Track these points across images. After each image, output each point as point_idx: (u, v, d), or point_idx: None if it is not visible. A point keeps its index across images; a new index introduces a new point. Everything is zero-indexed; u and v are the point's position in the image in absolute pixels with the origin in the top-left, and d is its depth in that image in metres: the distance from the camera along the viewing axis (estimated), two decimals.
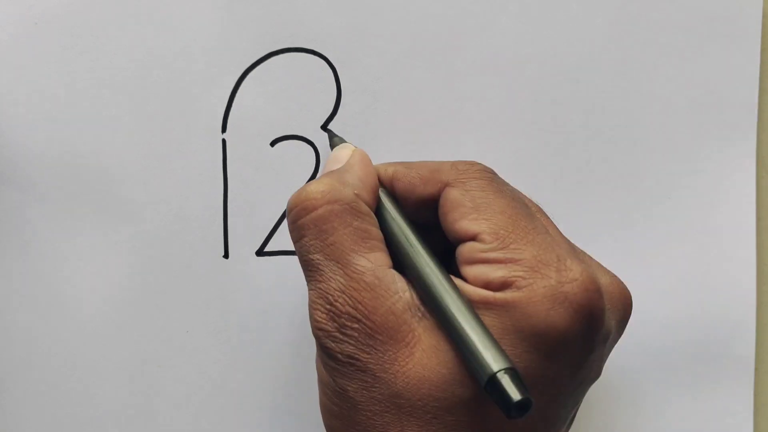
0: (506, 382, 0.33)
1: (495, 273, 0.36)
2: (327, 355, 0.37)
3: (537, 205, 0.40)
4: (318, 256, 0.37)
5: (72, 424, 0.46)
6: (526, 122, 0.46)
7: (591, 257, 0.39)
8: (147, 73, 0.45)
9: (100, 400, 0.46)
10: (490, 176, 0.39)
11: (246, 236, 0.46)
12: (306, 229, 0.38)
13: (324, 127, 0.46)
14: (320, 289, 0.37)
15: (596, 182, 0.46)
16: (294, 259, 0.46)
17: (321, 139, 0.46)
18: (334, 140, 0.44)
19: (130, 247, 0.46)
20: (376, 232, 0.38)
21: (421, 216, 0.40)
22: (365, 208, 0.38)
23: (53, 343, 0.46)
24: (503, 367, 0.33)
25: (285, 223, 0.46)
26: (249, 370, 0.46)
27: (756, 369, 0.46)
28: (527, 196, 0.41)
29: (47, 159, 0.45)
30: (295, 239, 0.39)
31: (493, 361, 0.34)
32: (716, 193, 0.46)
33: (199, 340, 0.46)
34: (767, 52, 0.46)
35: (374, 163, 0.41)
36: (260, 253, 0.46)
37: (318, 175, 0.45)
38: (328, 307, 0.37)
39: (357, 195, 0.38)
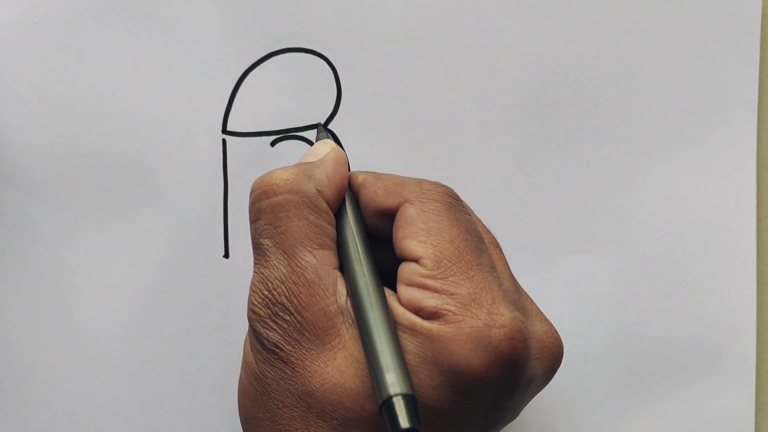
0: (399, 407, 0.33)
1: (428, 301, 0.35)
2: (255, 338, 0.37)
3: (495, 240, 0.40)
4: (268, 242, 0.38)
5: (72, 424, 0.46)
6: (526, 122, 0.46)
7: (533, 303, 0.39)
8: (147, 73, 0.45)
9: (100, 400, 0.46)
10: (450, 201, 0.38)
11: (246, 236, 0.45)
12: (262, 212, 0.38)
13: (323, 126, 0.46)
14: (263, 274, 0.37)
15: (596, 182, 0.46)
16: None
17: None
18: (320, 135, 0.44)
19: (130, 247, 0.46)
20: (331, 230, 0.38)
21: (381, 228, 0.39)
22: (324, 206, 0.38)
23: (53, 343, 0.46)
24: (402, 392, 0.33)
25: None
26: None
27: (757, 369, 0.46)
28: (488, 230, 0.40)
29: (47, 159, 0.45)
30: (251, 221, 0.39)
31: (394, 383, 0.33)
32: (716, 193, 0.46)
33: (200, 340, 0.46)
34: (767, 52, 0.46)
35: (368, 167, 0.40)
36: None
37: None
38: (266, 293, 0.37)
39: (320, 191, 0.38)
